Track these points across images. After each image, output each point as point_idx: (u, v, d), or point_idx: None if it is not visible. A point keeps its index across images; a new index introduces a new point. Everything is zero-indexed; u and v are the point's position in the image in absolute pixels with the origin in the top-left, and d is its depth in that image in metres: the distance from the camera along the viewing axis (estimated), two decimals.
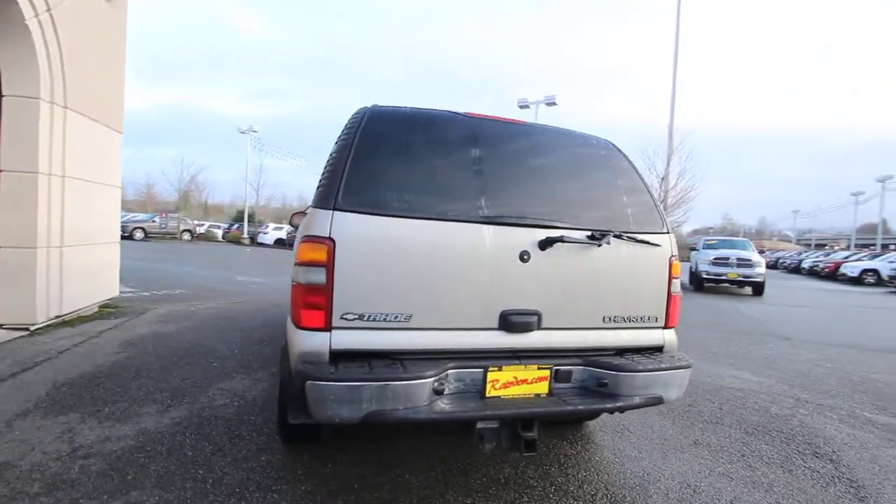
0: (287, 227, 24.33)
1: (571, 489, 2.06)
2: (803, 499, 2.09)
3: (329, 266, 1.65)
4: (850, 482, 2.27)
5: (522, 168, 2.01)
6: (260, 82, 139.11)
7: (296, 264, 1.72)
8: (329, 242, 1.65)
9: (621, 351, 2.01)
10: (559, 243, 1.87)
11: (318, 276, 1.65)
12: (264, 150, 35.50)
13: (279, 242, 26.70)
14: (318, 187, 1.86)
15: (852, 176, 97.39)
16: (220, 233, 30.31)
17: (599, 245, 1.93)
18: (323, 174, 1.88)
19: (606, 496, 2.02)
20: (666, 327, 2.10)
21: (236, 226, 32.61)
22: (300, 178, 73.39)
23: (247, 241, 29.23)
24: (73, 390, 2.79)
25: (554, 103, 21.03)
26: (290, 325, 1.83)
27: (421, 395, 1.61)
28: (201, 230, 29.57)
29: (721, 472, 2.29)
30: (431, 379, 1.64)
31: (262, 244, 27.38)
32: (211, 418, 2.52)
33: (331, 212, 1.68)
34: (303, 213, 3.58)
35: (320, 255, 1.65)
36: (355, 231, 1.68)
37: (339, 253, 1.66)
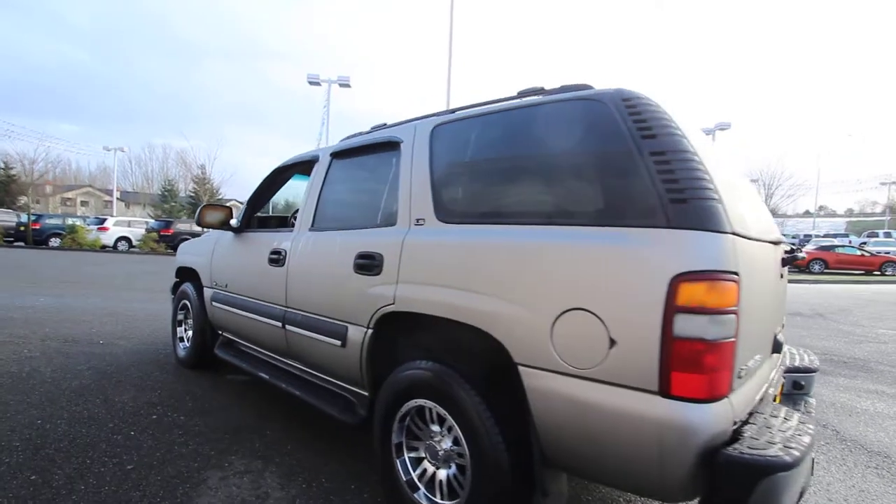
0: (134, 225, 21.51)
1: None
2: None
3: (736, 312, 1.30)
4: None
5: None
6: None
7: (683, 311, 1.24)
8: (735, 279, 1.29)
9: None
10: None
11: (725, 328, 1.28)
12: None
13: (125, 242, 20.37)
14: (650, 193, 1.37)
15: None
16: None
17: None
18: (630, 174, 1.42)
19: None
20: None
21: None
22: None
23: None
24: None
25: (347, 84, 20.70)
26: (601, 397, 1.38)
27: None
28: None
29: None
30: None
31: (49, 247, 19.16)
32: None
33: (728, 236, 1.30)
34: (221, 208, 3.32)
35: (729, 297, 1.28)
36: (747, 260, 1.39)
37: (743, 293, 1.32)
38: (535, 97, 1.84)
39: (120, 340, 4.67)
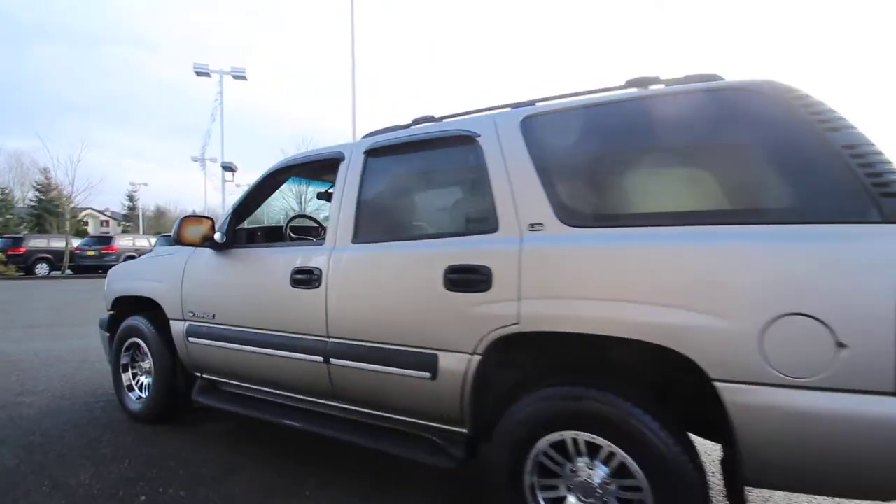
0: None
1: None
2: None
3: None
4: None
5: None
6: None
7: None
8: None
9: None
10: None
11: None
12: None
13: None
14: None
15: None
16: None
17: None
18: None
19: None
20: None
21: None
22: None
23: None
24: None
25: (243, 77, 18.98)
26: None
27: None
28: None
29: None
30: None
31: None
32: None
33: None
34: (202, 220, 2.69)
35: None
36: None
37: None
38: (673, 86, 1.68)
39: (25, 398, 3.59)
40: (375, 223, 2.20)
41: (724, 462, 1.72)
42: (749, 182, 1.50)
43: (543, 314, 1.64)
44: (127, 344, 3.17)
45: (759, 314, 1.34)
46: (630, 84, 1.84)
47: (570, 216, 1.68)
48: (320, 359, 2.18)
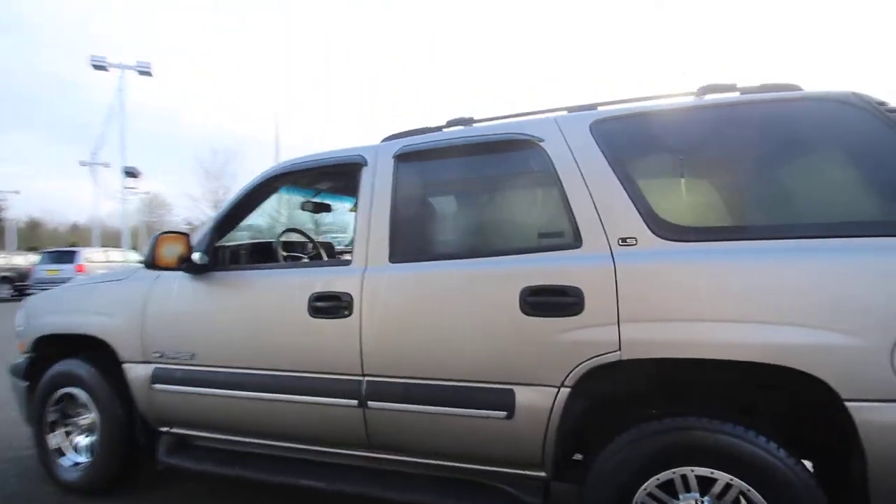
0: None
1: None
2: None
3: None
4: None
5: None
6: None
7: None
8: None
9: None
10: None
11: None
12: None
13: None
14: None
15: None
16: None
17: None
18: None
19: None
20: None
21: None
22: None
23: None
24: None
25: (148, 73, 17.26)
26: None
27: None
28: None
29: None
30: None
31: None
32: None
33: None
34: (179, 237, 2.21)
35: None
36: None
37: None
38: (770, 94, 1.61)
39: None
40: (417, 239, 1.90)
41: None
42: (860, 194, 1.46)
43: (652, 339, 1.47)
44: (57, 396, 2.49)
45: (892, 329, 1.28)
46: (703, 91, 1.76)
47: (668, 230, 1.53)
48: (353, 402, 1.81)
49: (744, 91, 1.70)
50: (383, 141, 2.16)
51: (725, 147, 1.64)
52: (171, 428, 2.30)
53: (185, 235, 2.17)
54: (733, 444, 1.39)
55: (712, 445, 1.41)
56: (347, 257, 2.09)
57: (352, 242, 2.02)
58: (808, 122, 1.54)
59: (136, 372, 2.26)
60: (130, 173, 16.30)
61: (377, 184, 1.96)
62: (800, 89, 1.64)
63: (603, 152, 1.66)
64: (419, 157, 1.96)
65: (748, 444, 1.38)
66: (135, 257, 17.33)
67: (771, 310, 1.37)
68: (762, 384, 1.52)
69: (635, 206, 1.58)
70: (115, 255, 15.81)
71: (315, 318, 1.88)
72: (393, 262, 1.84)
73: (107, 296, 2.42)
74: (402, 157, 1.97)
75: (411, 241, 1.88)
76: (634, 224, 1.56)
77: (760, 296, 1.39)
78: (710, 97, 1.71)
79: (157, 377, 2.21)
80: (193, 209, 29.85)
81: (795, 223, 1.47)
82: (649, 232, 1.54)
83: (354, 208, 2.98)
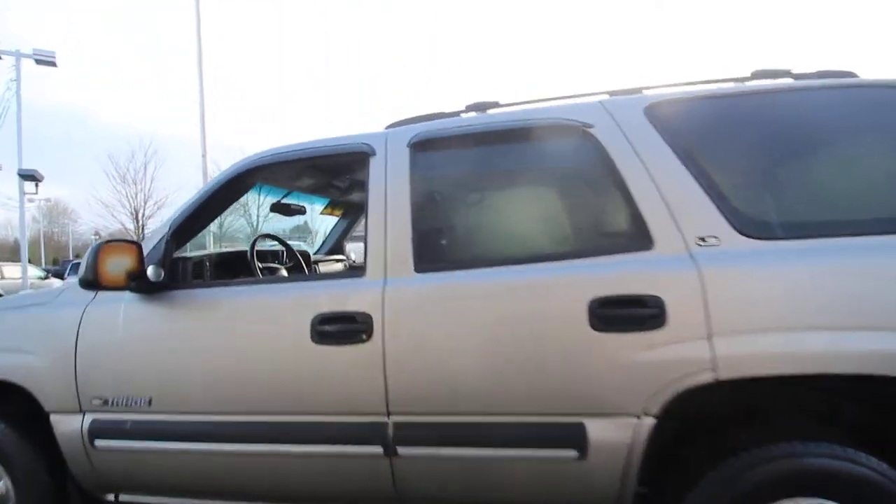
0: None
1: None
2: None
3: None
4: None
5: None
6: None
7: None
8: None
9: None
10: None
11: None
12: None
13: None
14: None
15: None
16: None
17: None
18: None
19: None
20: None
21: None
22: None
23: None
24: None
25: (52, 63, 14.31)
26: None
27: None
28: None
29: None
30: None
31: None
32: None
33: None
34: (127, 246, 1.74)
35: None
36: None
37: None
38: (841, 80, 1.47)
39: None
40: (450, 243, 1.59)
41: None
42: None
43: (752, 353, 1.26)
44: None
45: None
46: (756, 76, 1.60)
47: (755, 226, 1.34)
48: (378, 450, 1.45)
49: (797, 77, 1.56)
50: (387, 128, 1.82)
51: (810, 134, 1.48)
52: (120, 494, 1.79)
53: (136, 245, 1.69)
54: (842, 468, 1.21)
55: (823, 472, 1.23)
56: (339, 267, 1.73)
57: (330, 252, 1.66)
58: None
59: (68, 425, 1.73)
60: (29, 177, 14.11)
61: (391, 177, 1.61)
62: (855, 76, 1.52)
63: (665, 139, 1.44)
64: (440, 146, 1.64)
65: (866, 468, 1.21)
66: (37, 273, 15.22)
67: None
68: (859, 396, 1.37)
69: (711, 200, 1.37)
70: (11, 270, 13.71)
71: (321, 345, 1.50)
72: (420, 272, 1.50)
73: (21, 326, 1.86)
74: (420, 146, 1.63)
75: (442, 245, 1.56)
76: (714, 221, 1.35)
77: (877, 299, 1.23)
78: (765, 83, 1.55)
79: (99, 431, 1.70)
80: (106, 217, 26.90)
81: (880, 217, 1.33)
82: (732, 230, 1.34)
83: (331, 210, 2.58)
